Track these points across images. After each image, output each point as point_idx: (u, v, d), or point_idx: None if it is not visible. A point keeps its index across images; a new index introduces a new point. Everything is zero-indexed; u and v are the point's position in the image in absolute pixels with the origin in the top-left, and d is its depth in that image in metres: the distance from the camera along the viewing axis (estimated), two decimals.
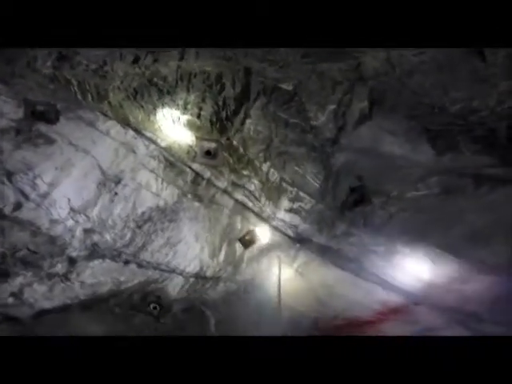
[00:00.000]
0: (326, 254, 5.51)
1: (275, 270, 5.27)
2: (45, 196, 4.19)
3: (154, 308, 5.05)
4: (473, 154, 3.73)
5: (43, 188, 4.15)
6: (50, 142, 4.02)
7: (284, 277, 5.60)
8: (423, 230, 4.72)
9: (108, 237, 4.55)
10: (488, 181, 3.87)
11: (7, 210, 4.04)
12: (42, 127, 3.89)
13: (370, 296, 6.03)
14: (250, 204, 4.59)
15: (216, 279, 5.34)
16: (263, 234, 5.09)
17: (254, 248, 5.34)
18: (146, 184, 4.47)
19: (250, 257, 5.46)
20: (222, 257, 5.11)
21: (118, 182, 4.40)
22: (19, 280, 4.34)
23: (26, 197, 4.10)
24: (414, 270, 5.73)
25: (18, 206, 4.07)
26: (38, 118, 3.87)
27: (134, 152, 4.36)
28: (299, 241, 4.98)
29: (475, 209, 4.09)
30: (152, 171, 4.43)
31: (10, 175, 4.01)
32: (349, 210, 4.75)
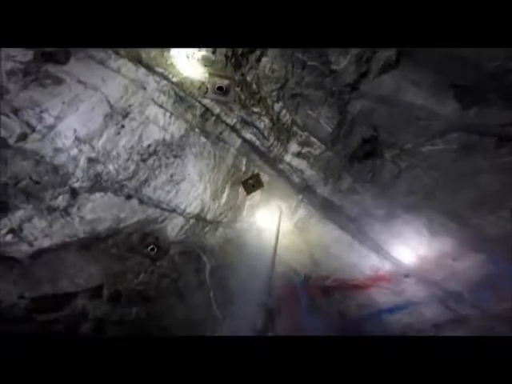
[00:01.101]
0: (328, 209, 5.51)
1: (275, 221, 5.21)
2: (51, 127, 4.09)
3: (152, 250, 4.91)
4: (500, 109, 3.49)
5: (49, 121, 4.05)
6: (59, 81, 3.89)
7: (282, 230, 5.55)
8: (430, 191, 4.61)
9: (111, 168, 4.49)
10: (510, 141, 3.62)
11: (11, 141, 3.96)
12: (51, 68, 3.77)
13: (363, 261, 6.03)
14: (258, 143, 4.48)
15: (216, 223, 5.35)
16: (267, 179, 4.83)
17: (257, 195, 5.27)
18: (153, 118, 4.36)
19: (251, 204, 5.42)
20: (223, 200, 5.11)
21: (125, 115, 4.28)
22: (19, 214, 4.27)
23: (32, 128, 4.01)
24: (411, 239, 5.70)
25: (22, 137, 3.99)
26: (48, 60, 3.74)
27: (143, 88, 4.24)
28: (303, 189, 4.79)
29: (490, 170, 3.90)
30: (161, 106, 4.32)
31: (16, 111, 3.90)
32: (358, 162, 4.59)
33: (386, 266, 5.88)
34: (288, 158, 4.76)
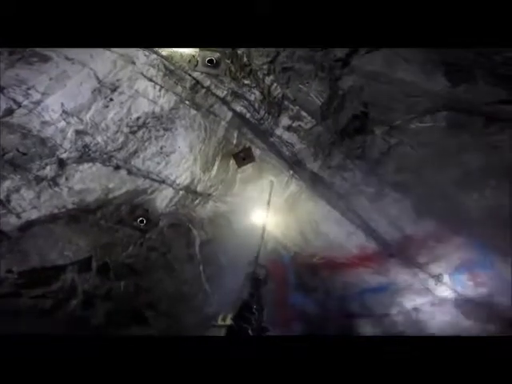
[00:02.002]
0: (318, 185, 5.73)
1: (266, 196, 5.34)
2: (38, 103, 4.17)
3: (141, 222, 5.02)
4: (489, 87, 3.64)
5: (36, 96, 4.12)
6: (45, 59, 3.91)
7: (273, 206, 5.72)
8: (418, 169, 4.77)
9: (100, 139, 4.62)
10: (499, 120, 3.79)
11: None
12: None
13: (351, 239, 6.24)
14: (249, 115, 4.64)
15: (206, 196, 5.52)
16: (259, 153, 4.96)
17: (248, 168, 5.44)
18: (143, 91, 4.44)
19: (243, 178, 5.59)
20: (214, 172, 5.29)
21: (114, 89, 4.36)
22: (7, 185, 4.37)
23: (18, 104, 4.09)
24: (398, 219, 5.87)
25: (8, 112, 4.07)
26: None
27: (133, 63, 4.29)
28: (293, 163, 4.91)
29: (477, 148, 4.07)
30: (150, 79, 4.40)
31: (1, 89, 3.97)
32: (348, 138, 4.74)
33: (372, 246, 6.11)
34: (279, 131, 4.92)
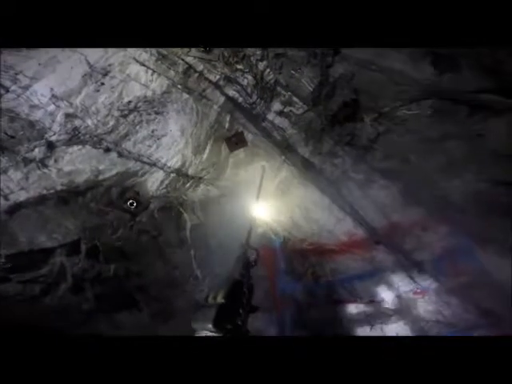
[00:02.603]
0: (309, 171, 5.93)
1: (257, 180, 5.38)
2: (26, 88, 4.11)
3: (131, 204, 5.11)
4: (474, 76, 3.83)
5: (25, 81, 4.06)
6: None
7: (264, 190, 5.85)
8: (404, 156, 4.96)
9: (90, 122, 4.64)
10: (482, 109, 4.04)
11: None
12: None
13: (339, 225, 6.45)
14: (241, 99, 4.77)
15: (198, 180, 5.65)
16: (251, 138, 5.11)
17: (240, 152, 5.60)
18: (135, 76, 4.46)
19: (235, 162, 5.75)
20: (205, 155, 5.42)
21: (105, 74, 4.34)
22: None
23: (6, 89, 4.00)
24: (385, 206, 6.13)
25: None
26: None
27: (125, 48, 4.24)
28: (284, 148, 5.04)
29: (460, 136, 4.32)
30: (143, 64, 4.39)
31: None
32: (339, 124, 4.91)
33: (360, 232, 6.36)
34: (271, 116, 5.09)
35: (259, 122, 5.10)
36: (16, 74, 3.91)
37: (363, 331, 6.86)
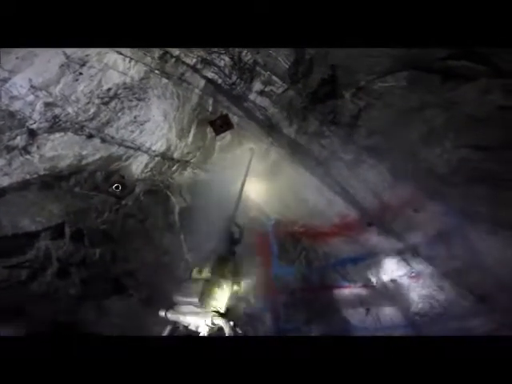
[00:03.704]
0: (297, 152, 6.10)
1: (246, 163, 5.61)
2: (5, 80, 4.43)
3: (117, 188, 5.36)
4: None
5: (3, 75, 4.38)
6: None
7: (253, 173, 6.06)
8: (387, 130, 5.13)
9: (70, 110, 4.94)
10: (454, 77, 4.14)
11: None
12: None
13: (330, 207, 6.67)
14: (220, 81, 4.88)
15: (184, 163, 5.88)
16: (236, 120, 5.31)
17: (226, 135, 5.81)
18: (112, 64, 4.71)
19: (222, 145, 6.00)
20: (190, 139, 5.67)
21: (83, 64, 4.61)
22: None
23: None
24: (375, 185, 6.26)
25: None
26: None
27: None
28: (269, 127, 5.26)
29: (436, 105, 4.44)
30: (119, 52, 4.62)
31: None
32: (320, 102, 5.05)
33: (351, 214, 6.55)
34: (252, 96, 5.28)
35: (241, 103, 5.28)
36: None
37: (358, 316, 7.04)
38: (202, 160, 5.95)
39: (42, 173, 5.07)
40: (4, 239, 4.89)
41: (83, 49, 4.36)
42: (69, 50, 4.32)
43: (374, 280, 6.91)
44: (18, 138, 4.75)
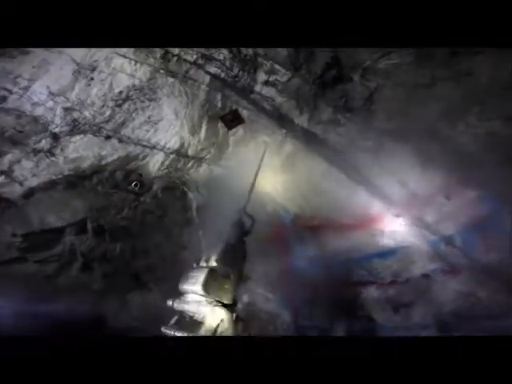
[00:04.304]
0: (312, 142, 6.06)
1: (260, 157, 5.65)
2: (26, 88, 5.00)
3: (135, 185, 5.75)
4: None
5: (24, 83, 4.94)
6: (25, 52, 4.68)
7: (269, 166, 6.15)
8: (404, 109, 5.02)
9: (87, 113, 5.39)
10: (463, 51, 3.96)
11: None
12: None
13: (352, 198, 6.44)
14: (223, 74, 5.04)
15: (199, 159, 6.18)
16: (247, 114, 5.50)
17: (239, 130, 5.99)
18: (120, 68, 5.09)
19: (235, 140, 6.18)
20: (202, 135, 5.89)
21: (93, 69, 5.06)
22: (8, 158, 5.34)
23: (10, 91, 4.93)
24: (400, 172, 5.97)
25: (2, 99, 4.95)
26: None
27: None
28: (279, 118, 5.36)
29: (450, 78, 4.23)
30: (124, 56, 4.98)
31: None
32: (329, 88, 5.06)
33: (376, 204, 6.29)
34: (258, 87, 5.44)
35: (248, 95, 5.42)
36: (15, 77, 4.78)
37: (385, 314, 6.74)
38: (217, 155, 6.18)
39: (66, 173, 5.63)
40: (33, 235, 5.50)
41: (90, 54, 4.81)
42: (77, 57, 4.80)
43: (404, 276, 6.62)
44: (43, 141, 5.31)
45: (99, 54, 4.85)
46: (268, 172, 6.31)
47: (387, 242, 6.54)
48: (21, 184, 5.42)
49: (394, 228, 6.40)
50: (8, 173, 5.30)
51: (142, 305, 6.07)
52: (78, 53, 4.80)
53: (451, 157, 5.24)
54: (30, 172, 5.40)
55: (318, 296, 6.84)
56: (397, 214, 6.27)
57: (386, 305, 6.76)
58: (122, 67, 5.02)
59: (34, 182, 5.49)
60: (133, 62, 4.98)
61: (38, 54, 4.69)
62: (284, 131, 5.91)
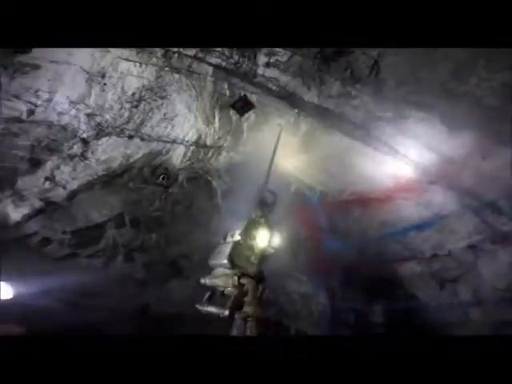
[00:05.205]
0: (327, 118, 6.09)
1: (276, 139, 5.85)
2: (48, 100, 5.78)
3: (163, 179, 6.41)
4: None
5: (45, 96, 5.72)
6: (36, 66, 5.33)
7: (289, 147, 6.42)
8: (413, 74, 4.85)
9: (108, 117, 6.11)
10: None
11: (24, 117, 5.79)
12: (21, 58, 5.20)
13: (380, 169, 6.39)
14: (224, 63, 5.39)
15: (217, 148, 6.65)
16: (255, 98, 5.78)
17: (250, 116, 6.30)
18: (127, 71, 5.65)
19: (249, 125, 6.51)
20: (217, 124, 6.32)
21: (103, 75, 5.69)
22: (49, 165, 6.31)
23: (35, 105, 5.75)
24: (429, 139, 5.76)
25: (31, 113, 5.78)
26: (15, 52, 5.15)
27: (108, 51, 5.47)
28: (287, 97, 5.76)
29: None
30: (128, 59, 5.51)
31: (16, 96, 5.61)
32: (332, 61, 5.14)
33: (406, 173, 6.11)
34: (260, 70, 5.61)
35: (252, 80, 5.67)
36: (36, 91, 5.60)
37: (430, 291, 6.50)
38: (234, 142, 6.57)
39: (100, 173, 6.49)
40: (80, 231, 6.50)
41: (97, 62, 5.41)
42: (86, 66, 5.45)
43: (446, 248, 6.32)
44: (75, 146, 6.18)
45: (104, 60, 5.44)
46: (287, 153, 6.52)
47: (423, 212, 6.32)
48: (64, 187, 6.38)
49: (429, 197, 6.15)
50: (51, 178, 6.28)
51: (180, 291, 6.81)
52: (85, 62, 5.44)
53: (475, 113, 4.95)
54: (69, 176, 6.34)
55: (353, 275, 6.87)
56: (430, 181, 6.01)
57: (430, 281, 6.56)
58: (129, 70, 5.58)
59: (74, 185, 6.43)
60: (138, 64, 5.51)
61: (48, 67, 5.39)
62: (296, 110, 6.05)
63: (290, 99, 5.92)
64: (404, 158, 6.07)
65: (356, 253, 6.86)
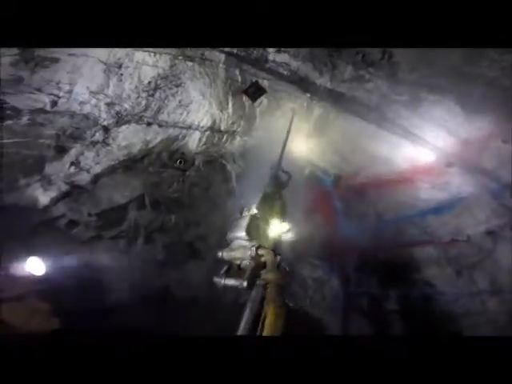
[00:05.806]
0: (341, 102, 6.22)
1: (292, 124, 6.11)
2: (69, 92, 6.12)
3: (180, 163, 6.88)
4: None
5: (66, 88, 6.04)
6: (55, 60, 5.53)
7: (302, 132, 6.70)
8: (425, 58, 4.92)
9: (127, 106, 6.49)
10: None
11: (47, 108, 6.15)
12: (41, 52, 5.36)
13: (396, 151, 6.44)
14: (236, 50, 5.72)
15: (231, 133, 7.03)
16: (267, 83, 6.06)
17: (263, 101, 6.53)
18: (142, 61, 5.92)
19: (262, 111, 6.78)
20: (230, 110, 6.62)
21: (119, 66, 5.97)
22: (74, 152, 6.82)
23: (57, 96, 6.08)
24: (445, 120, 5.79)
25: (54, 104, 6.12)
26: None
27: None
28: (299, 82, 5.92)
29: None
30: (142, 50, 5.76)
31: (38, 89, 5.90)
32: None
33: (423, 155, 6.17)
34: (271, 56, 5.78)
35: (263, 65, 5.87)
36: (57, 83, 5.98)
37: (446, 278, 6.53)
38: (247, 127, 6.87)
39: (121, 159, 7.00)
40: (104, 213, 7.10)
41: (113, 53, 5.68)
42: (103, 58, 5.74)
43: (465, 233, 6.34)
44: (97, 134, 6.64)
45: (121, 51, 5.74)
46: (301, 137, 6.74)
47: (441, 195, 6.34)
48: (88, 172, 6.94)
49: (447, 179, 6.16)
50: (76, 164, 6.82)
51: (198, 273, 7.33)
52: (102, 54, 5.73)
53: (490, 95, 4.95)
54: (92, 161, 6.87)
55: (368, 260, 7.01)
56: (448, 163, 6.04)
57: (447, 267, 6.61)
58: (144, 60, 5.87)
59: (98, 169, 6.97)
60: (152, 54, 5.81)
61: (67, 60, 5.68)
62: (308, 95, 6.22)
63: (301, 84, 6.08)
64: (420, 141, 6.13)
65: (371, 236, 6.98)
